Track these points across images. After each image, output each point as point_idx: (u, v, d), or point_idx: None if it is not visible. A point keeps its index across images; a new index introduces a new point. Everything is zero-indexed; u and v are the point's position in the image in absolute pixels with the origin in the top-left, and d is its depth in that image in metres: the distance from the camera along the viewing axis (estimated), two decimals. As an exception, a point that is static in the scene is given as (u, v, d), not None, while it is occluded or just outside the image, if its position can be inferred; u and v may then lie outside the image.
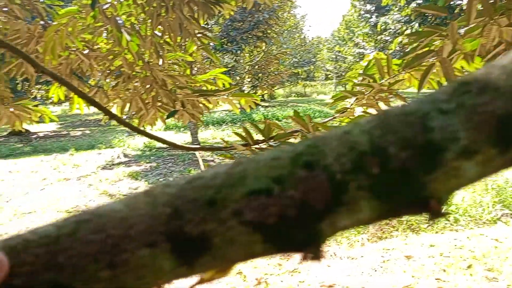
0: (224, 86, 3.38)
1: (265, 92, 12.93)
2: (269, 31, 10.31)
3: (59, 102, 16.25)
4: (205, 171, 0.33)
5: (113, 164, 8.85)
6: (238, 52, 10.89)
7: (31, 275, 0.30)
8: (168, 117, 2.67)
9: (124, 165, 8.74)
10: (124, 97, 3.19)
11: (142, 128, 2.85)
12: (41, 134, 16.45)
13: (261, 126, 2.18)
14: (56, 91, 3.35)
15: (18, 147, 13.10)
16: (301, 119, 2.19)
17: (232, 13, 3.00)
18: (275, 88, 14.06)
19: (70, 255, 0.30)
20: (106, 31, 2.70)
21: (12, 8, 2.23)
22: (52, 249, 0.31)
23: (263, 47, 11.39)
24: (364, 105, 2.36)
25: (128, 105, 3.07)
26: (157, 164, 8.62)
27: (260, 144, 2.17)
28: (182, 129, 14.31)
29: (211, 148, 2.09)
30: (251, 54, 13.04)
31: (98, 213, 0.32)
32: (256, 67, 12.02)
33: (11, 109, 3.17)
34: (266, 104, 20.68)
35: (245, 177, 0.31)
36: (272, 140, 2.14)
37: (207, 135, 12.90)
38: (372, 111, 2.29)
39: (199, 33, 2.93)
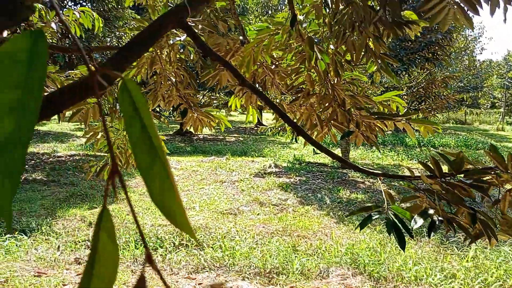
0: (397, 109, 3.23)
1: (425, 116, 12.23)
2: (439, 53, 9.68)
3: (219, 110, 17.58)
4: None
5: (265, 173, 9.20)
6: (403, 73, 10.47)
7: None
8: (343, 137, 2.63)
9: (274, 175, 9.02)
10: (295, 111, 3.26)
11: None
12: (200, 136, 18.00)
13: (451, 157, 2.01)
14: (235, 101, 3.58)
15: (181, 146, 14.50)
16: (498, 155, 1.96)
17: (418, 33, 2.86)
18: (438, 112, 13.21)
19: None
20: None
21: (216, 24, 2.42)
22: None
23: (431, 69, 10.77)
24: None
25: (299, 119, 3.13)
26: (306, 178, 8.71)
27: (448, 178, 2.00)
28: (330, 145, 14.28)
29: (394, 176, 1.99)
30: (411, 75, 12.40)
31: None
32: (418, 89, 11.41)
33: (196, 114, 3.47)
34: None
35: None
36: (464, 176, 1.95)
37: (355, 154, 12.64)
38: None
39: (382, 53, 2.84)
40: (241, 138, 17.72)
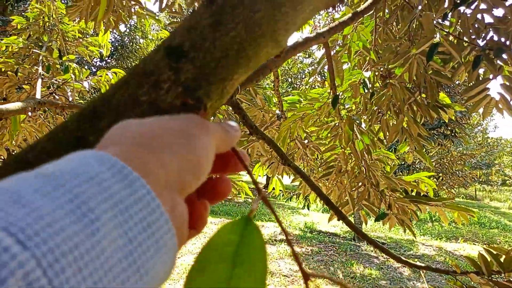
0: (427, 191, 3.15)
1: (438, 191, 12.05)
2: (457, 130, 9.68)
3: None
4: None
5: (275, 240, 8.95)
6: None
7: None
8: (377, 219, 2.53)
9: (285, 243, 8.76)
10: (321, 186, 3.18)
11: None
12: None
13: (496, 251, 1.89)
14: (258, 170, 3.52)
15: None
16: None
17: (452, 117, 2.82)
18: (453, 188, 13.04)
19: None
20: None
21: (254, 98, 2.41)
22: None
23: (447, 145, 10.75)
24: None
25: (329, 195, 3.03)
26: (318, 249, 8.44)
27: (496, 276, 1.87)
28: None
29: (438, 270, 1.86)
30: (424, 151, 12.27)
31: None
32: (436, 165, 11.32)
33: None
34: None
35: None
36: (514, 276, 1.82)
37: (367, 226, 12.33)
38: None
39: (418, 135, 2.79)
40: (250, 200, 17.50)
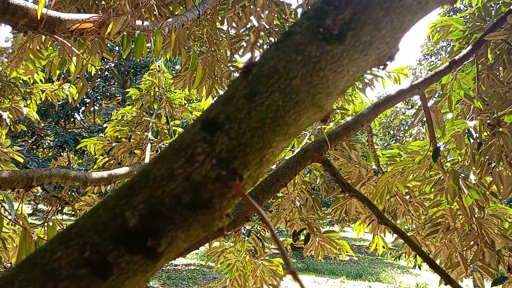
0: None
1: None
2: None
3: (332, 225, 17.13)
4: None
5: (383, 303, 8.37)
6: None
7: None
8: (494, 283, 2.26)
9: (395, 306, 8.14)
10: (429, 244, 2.95)
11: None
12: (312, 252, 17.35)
13: None
14: (359, 228, 3.39)
15: (292, 262, 14.06)
16: None
17: None
18: None
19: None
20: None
21: (350, 153, 2.37)
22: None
23: None
24: None
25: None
26: (432, 314, 7.70)
27: None
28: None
29: None
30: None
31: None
32: None
33: (318, 240, 3.32)
34: None
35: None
36: None
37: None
38: None
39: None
40: (355, 258, 16.71)
